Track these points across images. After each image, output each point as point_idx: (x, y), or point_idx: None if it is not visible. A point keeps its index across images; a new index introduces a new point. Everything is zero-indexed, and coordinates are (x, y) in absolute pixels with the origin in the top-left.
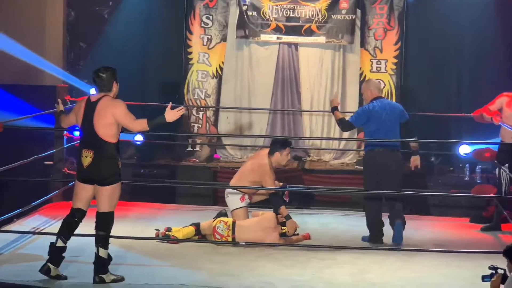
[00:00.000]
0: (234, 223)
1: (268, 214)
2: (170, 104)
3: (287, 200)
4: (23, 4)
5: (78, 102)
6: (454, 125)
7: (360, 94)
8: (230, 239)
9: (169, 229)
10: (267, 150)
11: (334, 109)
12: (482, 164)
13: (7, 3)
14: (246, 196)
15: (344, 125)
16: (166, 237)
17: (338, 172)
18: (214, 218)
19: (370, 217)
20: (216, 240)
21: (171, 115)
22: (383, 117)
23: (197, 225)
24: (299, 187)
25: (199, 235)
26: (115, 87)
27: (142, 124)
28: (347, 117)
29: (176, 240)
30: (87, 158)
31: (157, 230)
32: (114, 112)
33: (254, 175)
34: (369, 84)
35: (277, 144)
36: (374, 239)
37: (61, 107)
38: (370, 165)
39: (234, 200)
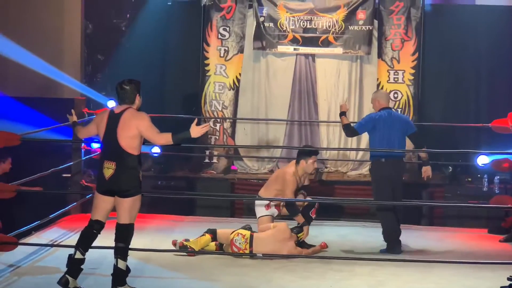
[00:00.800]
0: (251, 236)
1: (281, 226)
2: (196, 120)
3: (313, 216)
4: (41, 17)
5: (99, 114)
6: (473, 135)
7: None
8: (248, 251)
9: (186, 241)
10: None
11: (342, 114)
12: (500, 174)
13: (25, 17)
14: (272, 205)
15: (348, 131)
16: (184, 248)
17: (355, 183)
18: (204, 232)
19: (387, 227)
20: (234, 252)
21: (196, 131)
22: (388, 127)
23: (213, 232)
24: (316, 198)
25: (215, 241)
26: (138, 100)
27: (167, 138)
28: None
29: (193, 252)
30: (109, 169)
31: (175, 240)
32: (138, 124)
33: (277, 184)
34: (377, 94)
35: (303, 152)
36: (393, 249)
37: (74, 118)
38: (378, 175)
39: (259, 208)
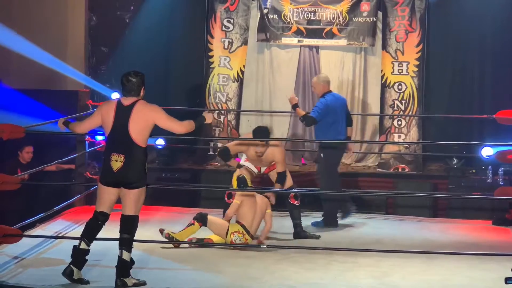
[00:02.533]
0: (243, 226)
1: (243, 197)
2: (207, 111)
3: (295, 203)
4: (45, 9)
5: (103, 105)
6: (477, 127)
7: (381, 96)
8: (250, 241)
9: (173, 233)
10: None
11: (295, 106)
12: (505, 166)
13: (29, 9)
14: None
15: (308, 120)
16: (170, 239)
17: (360, 175)
18: (193, 219)
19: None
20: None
21: (209, 116)
22: (337, 110)
23: (203, 219)
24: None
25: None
26: (142, 92)
27: (190, 124)
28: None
29: (178, 243)
30: (117, 162)
31: (163, 229)
32: (156, 117)
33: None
34: (321, 78)
35: (257, 132)
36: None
37: (61, 120)
38: (331, 162)
39: (242, 156)
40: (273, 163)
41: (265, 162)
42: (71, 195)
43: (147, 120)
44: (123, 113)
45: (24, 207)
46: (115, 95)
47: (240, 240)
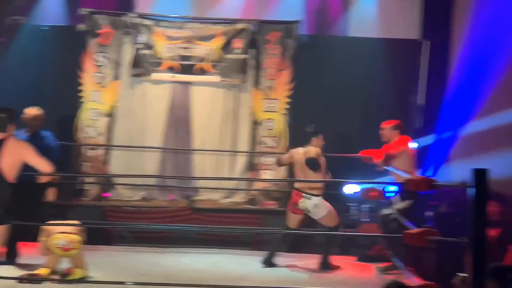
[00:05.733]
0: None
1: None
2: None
3: None
4: None
5: None
6: (344, 164)
7: (252, 132)
8: (75, 237)
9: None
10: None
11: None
12: (369, 203)
13: None
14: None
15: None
16: (32, 277)
17: (228, 211)
18: None
19: None
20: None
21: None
22: None
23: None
24: (188, 226)
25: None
26: (12, 128)
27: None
28: None
29: (40, 280)
30: None
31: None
32: (26, 153)
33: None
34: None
35: (312, 132)
36: None
37: None
38: None
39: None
40: None
41: None
42: None
43: (18, 156)
44: None
45: None
46: None
47: (65, 240)
